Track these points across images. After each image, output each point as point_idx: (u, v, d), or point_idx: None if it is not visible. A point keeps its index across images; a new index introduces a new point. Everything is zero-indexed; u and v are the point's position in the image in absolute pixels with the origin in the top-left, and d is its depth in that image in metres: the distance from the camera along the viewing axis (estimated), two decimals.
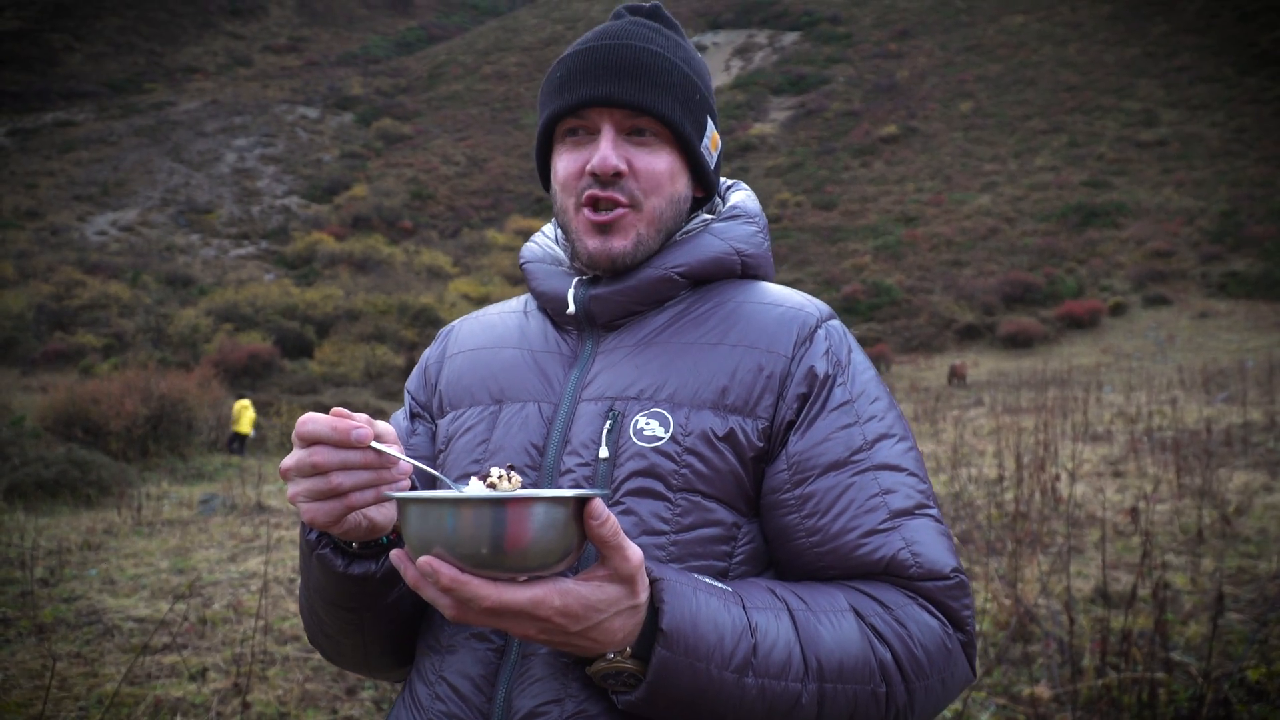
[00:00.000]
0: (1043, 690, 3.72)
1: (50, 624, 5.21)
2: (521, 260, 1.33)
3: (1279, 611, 4.37)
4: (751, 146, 58.11)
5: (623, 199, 1.20)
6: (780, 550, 1.14)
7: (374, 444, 0.99)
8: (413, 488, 1.12)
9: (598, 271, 1.24)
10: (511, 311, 1.36)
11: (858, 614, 1.07)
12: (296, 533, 7.65)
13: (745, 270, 1.29)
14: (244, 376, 21.56)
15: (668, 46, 1.24)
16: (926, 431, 13.63)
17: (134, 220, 48.51)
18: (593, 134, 1.22)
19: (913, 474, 1.16)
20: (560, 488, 1.12)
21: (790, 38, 76.14)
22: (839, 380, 1.17)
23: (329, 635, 1.23)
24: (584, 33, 1.43)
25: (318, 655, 4.72)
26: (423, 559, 0.89)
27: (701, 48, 75.68)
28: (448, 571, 0.88)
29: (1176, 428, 11.13)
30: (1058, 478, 7.38)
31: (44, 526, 8.03)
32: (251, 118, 67.02)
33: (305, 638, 4.97)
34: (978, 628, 4.46)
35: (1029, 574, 4.93)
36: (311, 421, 0.99)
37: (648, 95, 1.20)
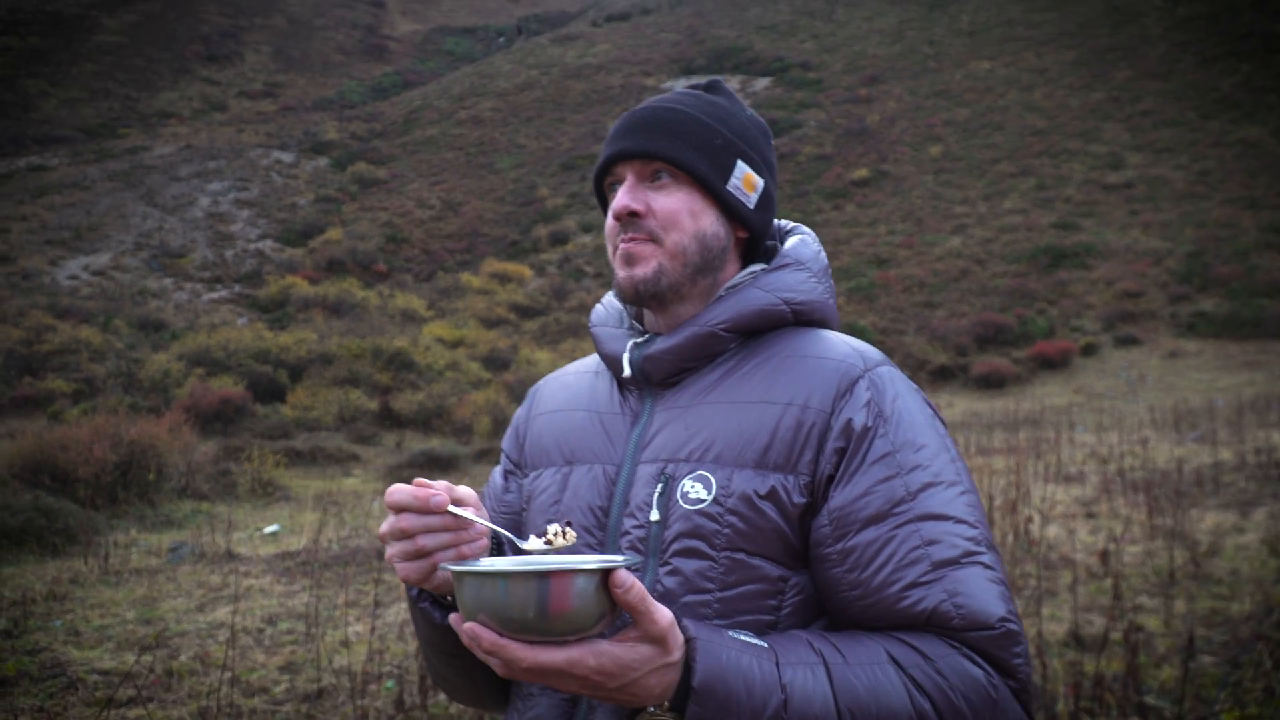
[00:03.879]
0: None
1: (13, 677, 5.09)
2: (590, 324, 1.44)
3: (1252, 654, 4.37)
4: None
5: (643, 236, 1.30)
6: (828, 602, 1.19)
7: (450, 508, 1.12)
8: (497, 545, 1.28)
9: (629, 302, 1.34)
10: (585, 371, 1.45)
11: (897, 665, 1.10)
12: (265, 581, 7.56)
13: (798, 319, 1.33)
14: (215, 421, 21.35)
15: (695, 105, 1.37)
16: None
17: (106, 264, 48.15)
18: (623, 185, 1.34)
19: (961, 520, 1.17)
20: (620, 550, 1.23)
21: (762, 83, 77.12)
22: (880, 432, 1.19)
23: (444, 677, 1.38)
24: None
25: (285, 708, 4.65)
26: (467, 625, 1.01)
27: None
28: (488, 636, 0.99)
29: (1148, 468, 11.20)
30: (1030, 519, 7.40)
31: (8, 576, 7.88)
32: (226, 162, 66.94)
33: (273, 690, 4.89)
34: None
35: None
36: (397, 491, 1.12)
37: (658, 143, 1.30)
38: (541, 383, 1.51)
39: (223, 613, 6.51)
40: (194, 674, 5.15)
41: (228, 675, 4.93)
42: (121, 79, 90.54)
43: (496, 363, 30.56)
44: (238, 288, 47.51)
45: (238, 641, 5.69)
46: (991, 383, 30.69)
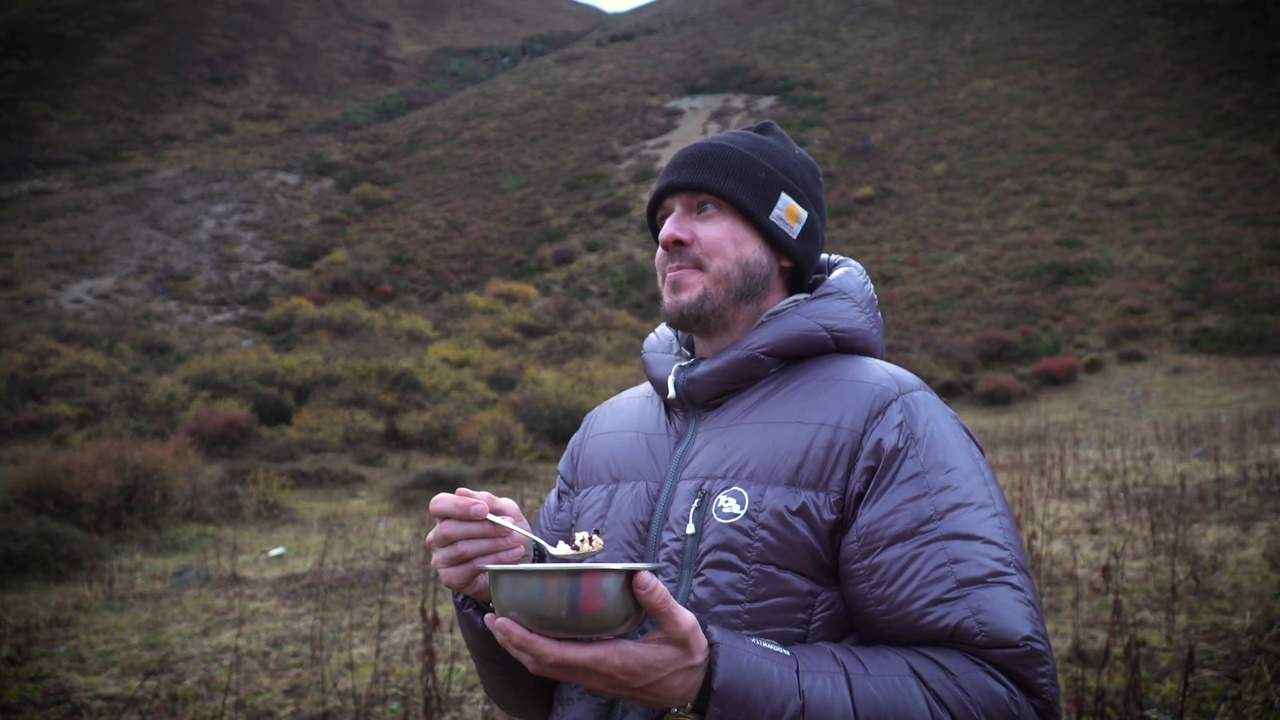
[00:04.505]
0: None
1: (16, 704, 5.11)
2: (642, 351, 1.51)
3: (1252, 667, 4.38)
4: None
5: (689, 264, 1.37)
6: (855, 616, 1.22)
7: (490, 517, 1.19)
8: (539, 558, 1.31)
9: (674, 326, 1.41)
10: (638, 396, 1.52)
11: (918, 678, 1.12)
12: (270, 604, 7.58)
13: (840, 346, 1.38)
14: (221, 444, 21.39)
15: (742, 142, 1.43)
16: None
17: (110, 288, 48.38)
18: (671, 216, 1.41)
19: (990, 542, 1.18)
20: (657, 562, 1.29)
21: (766, 102, 77.44)
22: (911, 452, 1.22)
23: (491, 685, 1.44)
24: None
25: None
26: (499, 621, 1.06)
27: (679, 112, 76.88)
28: (518, 631, 1.04)
29: (1151, 484, 11.19)
30: (1034, 536, 7.40)
31: (12, 603, 7.90)
32: (231, 184, 67.30)
33: (278, 714, 4.90)
34: None
35: None
36: (441, 500, 1.20)
37: (702, 176, 1.37)
38: (597, 409, 1.59)
39: (228, 636, 6.52)
40: (199, 698, 5.17)
41: (232, 699, 4.94)
42: (125, 102, 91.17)
43: (502, 382, 30.60)
44: (243, 310, 47.70)
45: (243, 665, 5.70)
46: (997, 399, 30.68)
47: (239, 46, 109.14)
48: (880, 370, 1.32)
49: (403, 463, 21.64)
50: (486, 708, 4.38)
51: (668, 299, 1.39)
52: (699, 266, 1.37)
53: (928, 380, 34.74)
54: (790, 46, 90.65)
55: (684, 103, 79.19)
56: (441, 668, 4.99)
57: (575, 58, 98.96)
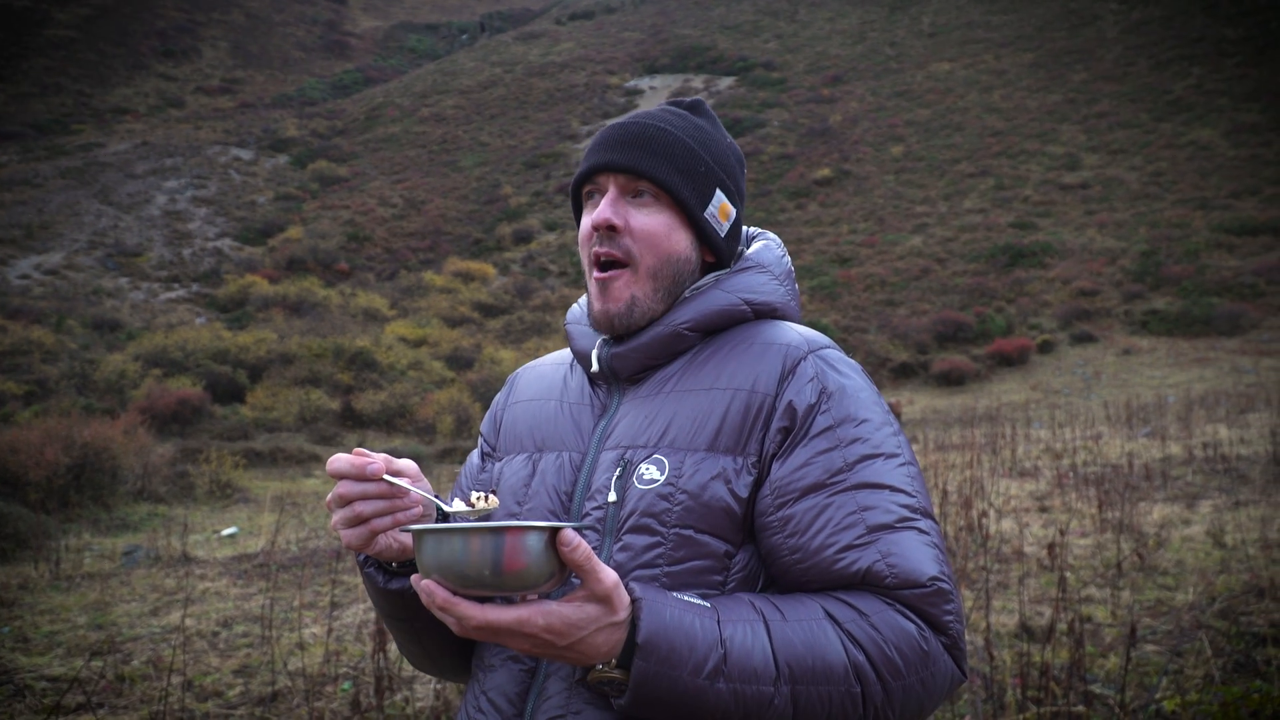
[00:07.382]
0: None
1: None
2: (565, 322, 1.51)
3: (1193, 642, 4.47)
4: None
5: (619, 254, 1.35)
6: (771, 568, 1.25)
7: (385, 477, 1.18)
8: (440, 514, 1.29)
9: (602, 331, 1.39)
10: (561, 363, 1.52)
11: (833, 620, 1.16)
12: (221, 584, 7.50)
13: (759, 318, 1.39)
14: (173, 423, 21.09)
15: (682, 127, 1.40)
16: None
17: (59, 263, 47.36)
18: (603, 195, 1.38)
19: (898, 490, 1.23)
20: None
21: (726, 82, 77.32)
22: (822, 408, 1.26)
23: (399, 643, 1.44)
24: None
25: (239, 711, 4.62)
26: (423, 583, 1.05)
27: (638, 91, 76.56)
28: (441, 594, 1.03)
29: (1100, 463, 11.38)
30: (984, 514, 7.50)
31: None
32: (183, 159, 66.06)
33: (227, 694, 4.86)
34: None
35: None
36: (337, 460, 1.19)
37: (644, 161, 1.34)
38: (520, 370, 1.58)
39: (176, 616, 6.44)
40: (146, 679, 5.10)
41: (180, 679, 4.89)
42: (74, 74, 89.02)
43: (460, 362, 30.43)
44: (195, 287, 46.93)
45: (191, 645, 5.64)
46: (951, 380, 31.01)
47: (191, 19, 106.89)
48: (792, 331, 1.35)
49: (359, 442, 21.46)
50: (438, 686, 4.37)
51: (597, 304, 1.37)
52: (628, 259, 1.35)
53: (883, 362, 35.03)
54: (750, 27, 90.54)
55: (644, 82, 78.84)
56: (393, 647, 4.97)
57: (535, 35, 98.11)
